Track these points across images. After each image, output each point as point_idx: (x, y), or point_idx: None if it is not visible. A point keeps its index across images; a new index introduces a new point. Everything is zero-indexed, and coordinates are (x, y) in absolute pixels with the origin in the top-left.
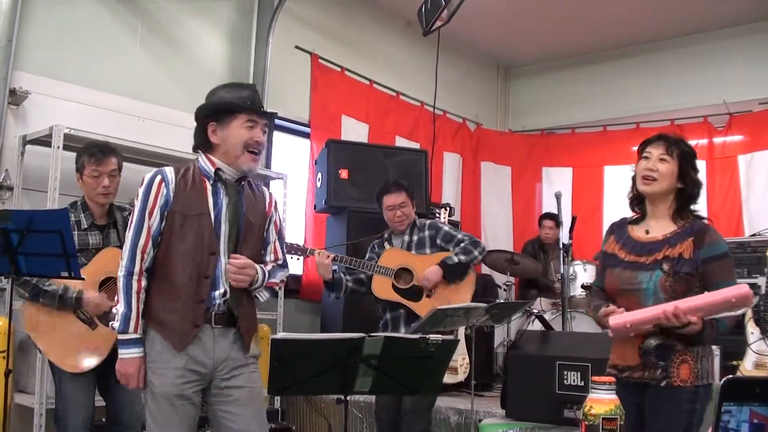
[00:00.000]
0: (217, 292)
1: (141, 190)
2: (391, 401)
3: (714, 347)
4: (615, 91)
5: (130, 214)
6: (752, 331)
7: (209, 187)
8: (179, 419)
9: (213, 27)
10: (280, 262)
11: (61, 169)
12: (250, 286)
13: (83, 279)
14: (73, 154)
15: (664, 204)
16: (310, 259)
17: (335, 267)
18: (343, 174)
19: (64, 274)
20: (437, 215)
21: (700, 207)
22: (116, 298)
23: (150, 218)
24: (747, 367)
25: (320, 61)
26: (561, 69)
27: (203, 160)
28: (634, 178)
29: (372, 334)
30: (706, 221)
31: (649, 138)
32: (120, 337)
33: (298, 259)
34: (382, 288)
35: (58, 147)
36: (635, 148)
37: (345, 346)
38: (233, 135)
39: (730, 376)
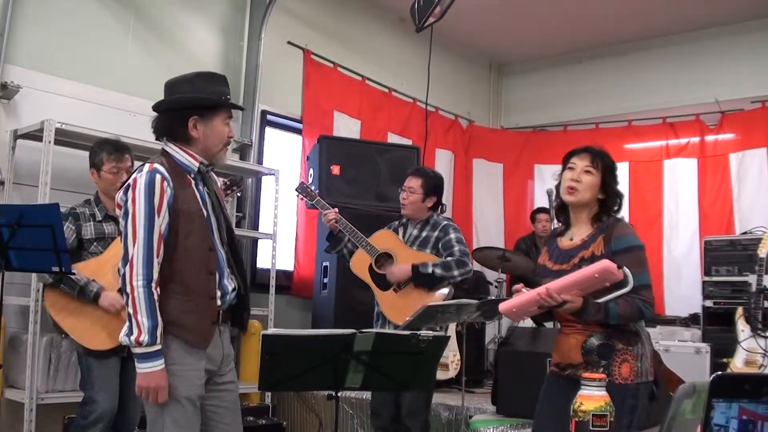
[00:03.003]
0: (230, 287)
1: (141, 192)
2: (387, 396)
3: (705, 345)
4: (607, 89)
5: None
6: (742, 328)
7: (192, 182)
8: (198, 419)
9: (206, 22)
10: None
11: (52, 163)
12: None
13: (74, 274)
14: (64, 149)
15: (587, 212)
16: (301, 257)
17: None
18: (335, 170)
19: (55, 269)
20: None
21: (689, 207)
22: (133, 309)
23: (159, 218)
24: (737, 364)
25: (313, 56)
26: (554, 67)
27: (181, 155)
28: (558, 188)
29: (363, 330)
30: (619, 218)
31: (575, 150)
32: (145, 350)
33: (305, 202)
34: (359, 265)
35: (50, 141)
36: (627, 146)
37: (336, 342)
38: (215, 131)
39: (720, 372)
